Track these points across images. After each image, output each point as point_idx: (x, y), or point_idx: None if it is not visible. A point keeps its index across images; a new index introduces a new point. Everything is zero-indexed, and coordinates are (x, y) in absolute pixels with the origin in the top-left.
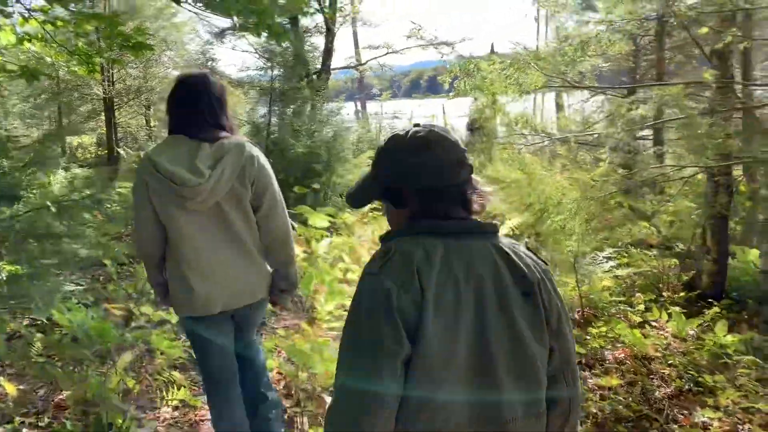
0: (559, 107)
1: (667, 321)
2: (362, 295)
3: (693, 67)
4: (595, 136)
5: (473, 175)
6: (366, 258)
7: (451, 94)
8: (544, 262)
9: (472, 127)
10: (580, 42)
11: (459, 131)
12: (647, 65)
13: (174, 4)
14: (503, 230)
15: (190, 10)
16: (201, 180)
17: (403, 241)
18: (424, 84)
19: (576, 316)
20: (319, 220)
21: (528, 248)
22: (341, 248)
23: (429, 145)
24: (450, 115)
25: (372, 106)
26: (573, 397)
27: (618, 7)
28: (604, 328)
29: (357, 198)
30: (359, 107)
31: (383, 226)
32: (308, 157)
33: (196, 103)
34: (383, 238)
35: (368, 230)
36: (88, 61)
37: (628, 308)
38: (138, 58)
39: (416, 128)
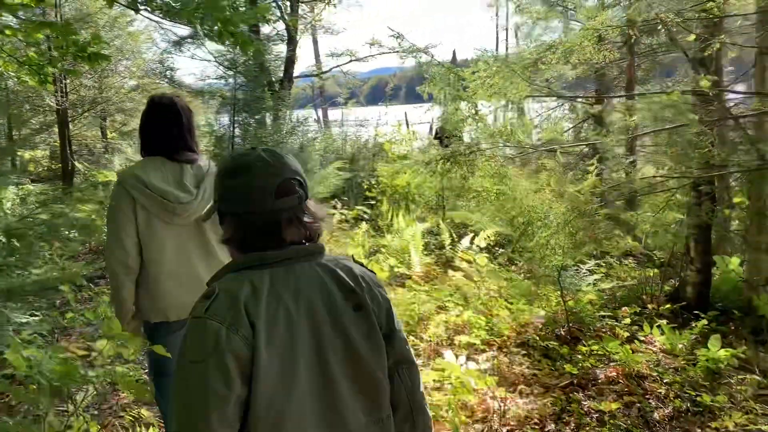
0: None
1: (660, 335)
2: (188, 341)
3: (659, 73)
4: (584, 147)
5: (308, 201)
6: None
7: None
8: (371, 271)
9: (440, 136)
10: (563, 50)
11: (424, 139)
12: (616, 72)
13: (130, 13)
14: (478, 241)
15: (149, 18)
16: (191, 198)
17: (228, 278)
18: (390, 91)
19: (562, 332)
20: None
21: (355, 260)
22: None
23: (248, 168)
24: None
25: (333, 114)
26: (412, 394)
27: (599, 15)
28: (595, 346)
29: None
30: (320, 116)
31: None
32: None
33: (171, 127)
34: (211, 281)
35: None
36: (39, 71)
37: (615, 323)
38: (93, 69)
39: (248, 150)
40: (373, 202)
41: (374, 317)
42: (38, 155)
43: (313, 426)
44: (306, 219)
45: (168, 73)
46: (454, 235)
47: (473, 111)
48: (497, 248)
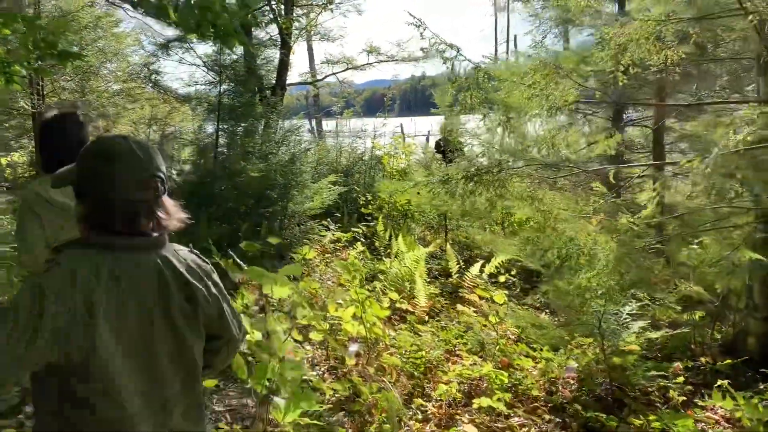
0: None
1: (723, 399)
2: (17, 295)
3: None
4: (643, 169)
5: (165, 197)
6: (332, 309)
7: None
8: (206, 262)
9: (443, 149)
10: (618, 45)
11: (422, 152)
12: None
13: (115, 13)
14: (489, 268)
15: (134, 17)
16: None
17: (73, 254)
18: (389, 102)
19: (602, 393)
20: (280, 289)
21: (191, 250)
22: (300, 297)
23: (119, 157)
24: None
25: (327, 125)
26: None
27: (656, 6)
28: (656, 424)
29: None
30: (313, 125)
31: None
32: (262, 182)
33: (65, 142)
34: (56, 249)
35: (333, 266)
36: (5, 70)
37: (665, 380)
38: (65, 68)
39: (115, 135)
40: (369, 219)
41: (202, 308)
42: (16, 160)
43: (134, 393)
44: (160, 214)
45: (153, 77)
46: (460, 261)
47: (503, 118)
48: (509, 276)
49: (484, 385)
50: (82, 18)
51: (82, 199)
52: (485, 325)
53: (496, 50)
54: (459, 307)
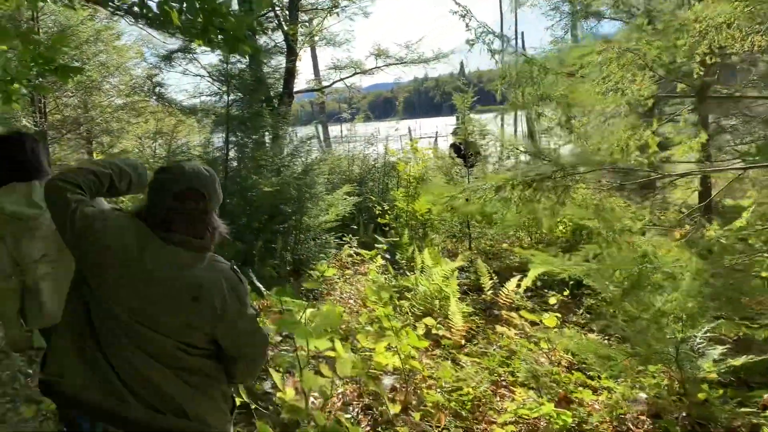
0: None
1: None
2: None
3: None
4: (740, 172)
5: (212, 212)
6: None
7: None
8: (240, 280)
9: (463, 153)
10: (698, 31)
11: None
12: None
13: (116, 26)
14: (525, 282)
15: (134, 26)
16: (41, 212)
17: (120, 213)
18: (401, 105)
19: (678, 429)
20: (318, 342)
21: (231, 266)
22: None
23: (167, 171)
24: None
25: (332, 131)
26: (242, 373)
27: None
28: None
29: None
30: (320, 133)
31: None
32: (275, 196)
33: (16, 155)
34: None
35: (353, 281)
36: (2, 89)
37: (751, 416)
38: (67, 83)
39: (178, 162)
40: (385, 230)
41: (211, 309)
42: None
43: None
44: (198, 224)
45: (157, 89)
46: (492, 274)
47: (563, 118)
48: (546, 290)
49: (543, 424)
50: (82, 32)
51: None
52: (530, 350)
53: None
54: (498, 328)
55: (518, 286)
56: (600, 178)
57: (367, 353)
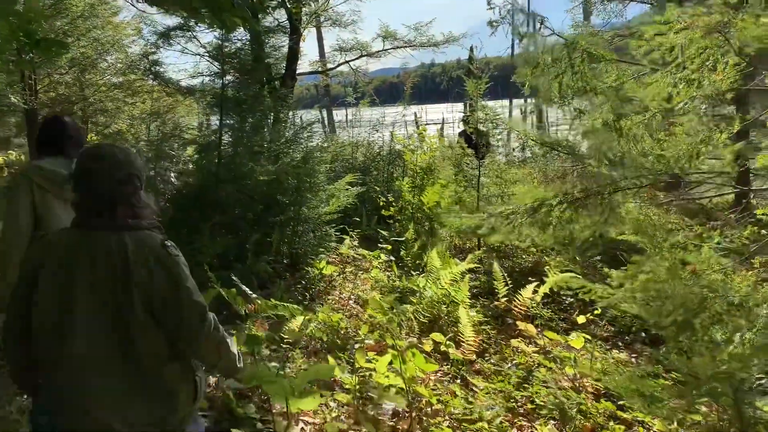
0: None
1: None
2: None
3: None
4: None
5: (141, 192)
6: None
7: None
8: (171, 254)
9: (474, 142)
10: None
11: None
12: None
13: (113, 2)
14: (544, 289)
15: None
16: None
17: (63, 230)
18: (410, 90)
19: None
20: (305, 402)
21: (162, 241)
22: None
23: (103, 158)
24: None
25: (336, 115)
26: (191, 351)
27: None
28: None
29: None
30: (324, 117)
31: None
32: (272, 186)
33: (61, 134)
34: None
35: (354, 279)
36: None
37: None
38: (59, 60)
39: (106, 145)
40: (390, 222)
41: (140, 287)
42: (13, 159)
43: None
44: (136, 205)
45: (154, 68)
46: (507, 279)
47: (612, 116)
48: (564, 296)
49: None
50: (75, 6)
51: (75, 190)
52: (550, 368)
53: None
54: (514, 342)
55: (534, 292)
56: (656, 191)
57: (366, 372)
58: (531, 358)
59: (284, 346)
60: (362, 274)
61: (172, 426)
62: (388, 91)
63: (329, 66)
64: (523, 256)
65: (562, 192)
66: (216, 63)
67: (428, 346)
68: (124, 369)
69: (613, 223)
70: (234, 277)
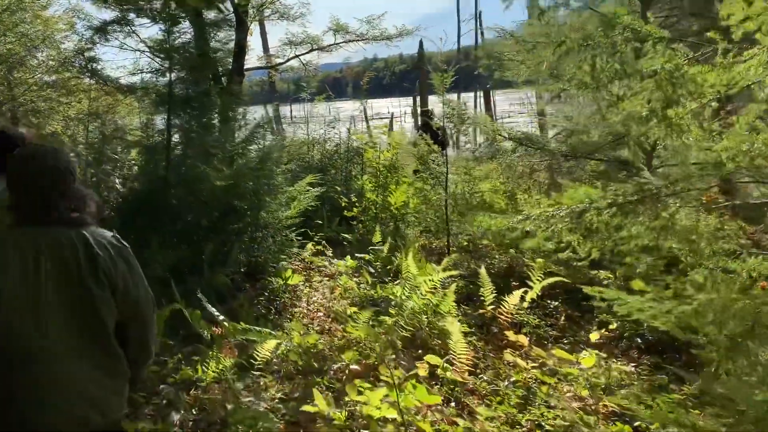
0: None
1: None
2: None
3: None
4: None
5: (75, 185)
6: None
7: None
8: (122, 244)
9: (441, 138)
10: None
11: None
12: None
13: None
14: (531, 295)
15: None
16: None
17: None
18: (366, 85)
19: None
20: None
21: (113, 235)
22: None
23: (26, 161)
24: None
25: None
26: (138, 338)
27: None
28: None
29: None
30: (270, 114)
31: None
32: (229, 190)
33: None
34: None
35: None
36: None
37: None
38: None
39: (32, 147)
40: (353, 223)
41: (108, 276)
42: None
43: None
44: (70, 200)
45: (90, 65)
46: (491, 285)
47: (660, 104)
48: (549, 300)
49: None
50: None
51: (11, 193)
52: (551, 385)
53: (459, 30)
54: (507, 356)
55: (522, 299)
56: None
57: (355, 405)
58: (528, 373)
59: (255, 372)
60: (329, 281)
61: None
62: (331, 86)
63: (278, 61)
64: (497, 256)
65: (613, 193)
66: (159, 59)
67: (423, 370)
68: (96, 358)
69: (671, 232)
70: (200, 295)
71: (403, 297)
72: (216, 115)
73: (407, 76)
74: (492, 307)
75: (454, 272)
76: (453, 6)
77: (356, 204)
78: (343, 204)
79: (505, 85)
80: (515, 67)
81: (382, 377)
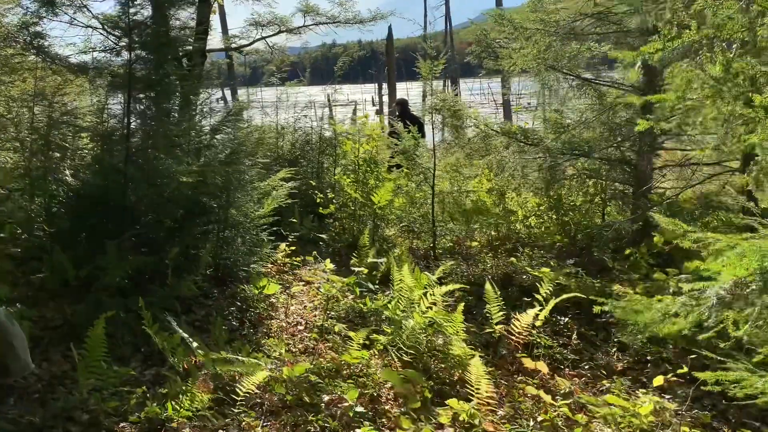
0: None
1: None
2: None
3: None
4: None
5: None
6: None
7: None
8: None
9: (421, 127)
10: None
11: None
12: None
13: None
14: (543, 313)
15: None
16: None
17: None
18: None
19: None
20: None
21: None
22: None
23: None
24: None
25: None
26: None
27: None
28: None
29: None
30: (227, 98)
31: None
32: (197, 187)
33: None
34: None
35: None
36: None
37: None
38: None
39: None
40: (329, 221)
41: None
42: None
43: None
44: None
45: (37, 41)
46: (499, 301)
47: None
48: (559, 316)
49: None
50: None
51: None
52: (584, 426)
53: (425, 17)
54: (529, 389)
55: (536, 317)
56: None
57: None
58: (556, 411)
59: (234, 409)
60: (305, 286)
61: None
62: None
63: (242, 42)
64: (488, 261)
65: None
66: (114, 36)
67: (445, 418)
68: None
69: None
70: (173, 324)
71: (399, 313)
72: (179, 101)
73: (366, 63)
74: (501, 326)
75: (456, 286)
76: None
77: (334, 200)
78: (318, 200)
79: (495, 74)
80: (509, 55)
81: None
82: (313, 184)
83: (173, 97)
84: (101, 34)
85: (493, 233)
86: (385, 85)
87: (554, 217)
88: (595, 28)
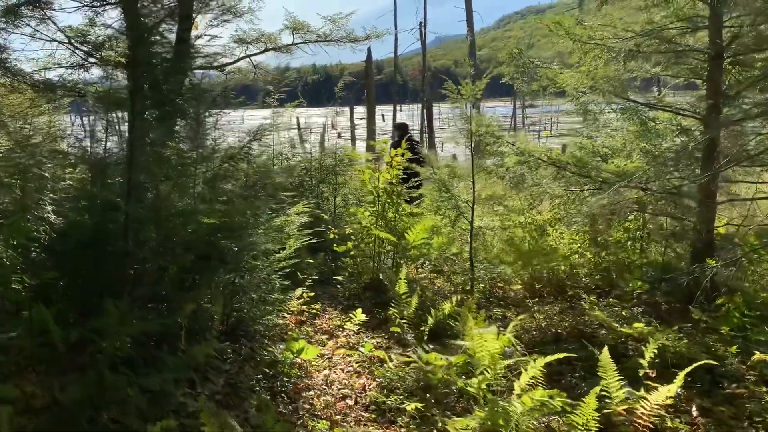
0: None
1: None
2: None
3: None
4: None
5: None
6: None
7: None
8: None
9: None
10: None
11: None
12: None
13: None
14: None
15: None
16: None
17: None
18: (340, 92)
19: None
20: None
21: None
22: None
23: None
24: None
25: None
26: None
27: None
28: None
29: None
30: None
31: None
32: (219, 229)
33: None
34: None
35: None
36: None
37: None
38: None
39: None
40: (344, 259)
41: None
42: None
43: None
44: None
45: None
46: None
47: None
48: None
49: None
50: None
51: None
52: None
53: (396, 25)
54: None
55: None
56: None
57: None
58: None
59: None
60: (335, 342)
61: None
62: (242, 92)
63: (225, 60)
64: (543, 309)
65: None
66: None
67: None
68: None
69: None
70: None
71: (483, 387)
72: (191, 122)
73: (321, 87)
74: (624, 407)
75: (560, 355)
76: (391, 4)
77: (353, 237)
78: (331, 236)
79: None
80: (553, 76)
81: None
82: (325, 217)
83: (186, 116)
84: (68, 48)
85: (543, 275)
86: (359, 108)
87: (609, 257)
88: (648, 47)
